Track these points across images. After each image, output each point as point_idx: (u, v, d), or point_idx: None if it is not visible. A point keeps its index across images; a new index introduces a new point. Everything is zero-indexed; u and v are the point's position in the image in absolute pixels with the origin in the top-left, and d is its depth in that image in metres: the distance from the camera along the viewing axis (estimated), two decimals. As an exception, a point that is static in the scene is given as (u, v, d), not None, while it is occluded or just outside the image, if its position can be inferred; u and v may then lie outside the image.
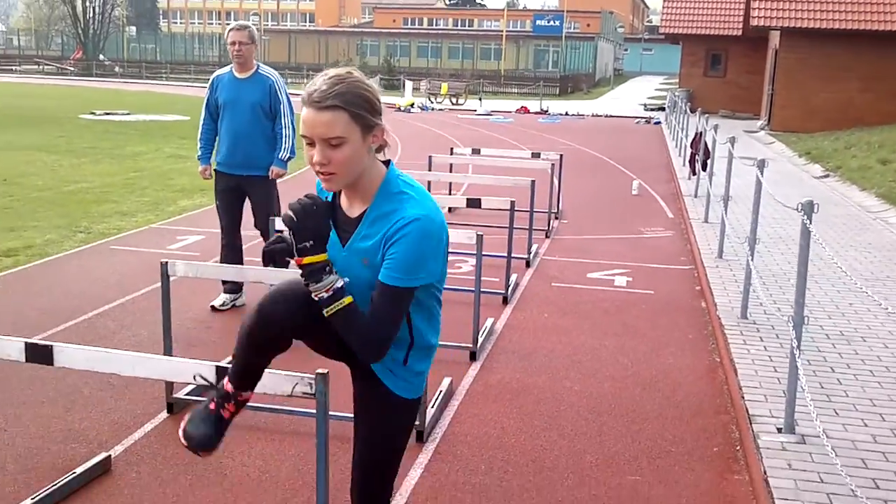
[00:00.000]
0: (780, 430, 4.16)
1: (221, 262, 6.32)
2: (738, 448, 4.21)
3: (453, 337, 5.34)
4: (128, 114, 26.19)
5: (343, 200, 2.27)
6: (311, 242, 2.11)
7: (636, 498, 3.67)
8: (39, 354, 2.94)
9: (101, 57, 65.87)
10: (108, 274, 7.27)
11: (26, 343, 2.97)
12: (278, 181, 6.25)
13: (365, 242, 2.19)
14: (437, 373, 4.53)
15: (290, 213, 2.12)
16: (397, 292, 2.14)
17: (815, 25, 24.15)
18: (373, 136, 2.14)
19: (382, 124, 2.16)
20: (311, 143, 2.10)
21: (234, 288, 6.36)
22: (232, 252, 6.35)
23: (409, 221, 2.11)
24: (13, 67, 62.44)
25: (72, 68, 61.31)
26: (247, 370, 2.39)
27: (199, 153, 6.32)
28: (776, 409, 4.39)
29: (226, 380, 2.44)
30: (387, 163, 2.26)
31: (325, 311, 2.14)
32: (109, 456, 3.86)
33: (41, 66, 63.41)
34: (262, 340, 2.28)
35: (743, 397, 4.61)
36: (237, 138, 6.05)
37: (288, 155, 6.10)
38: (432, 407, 4.33)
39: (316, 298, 2.14)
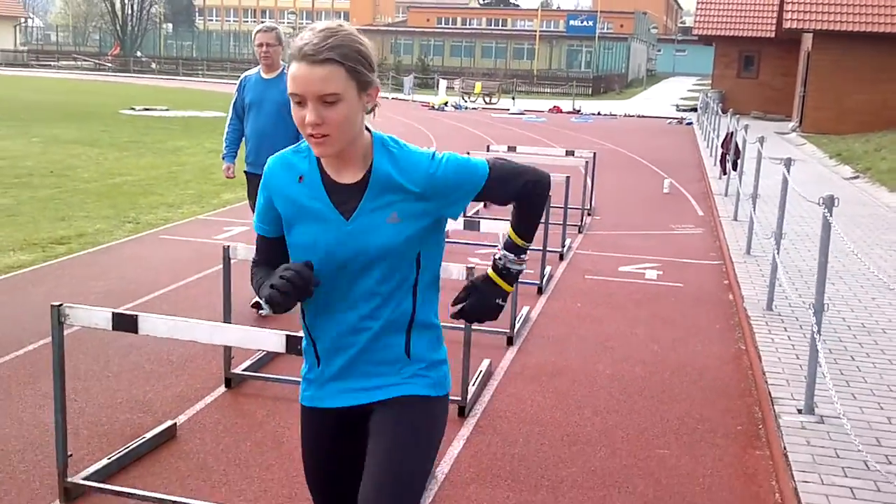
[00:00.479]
0: (800, 411, 4.41)
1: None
2: (760, 427, 4.46)
3: (491, 323, 5.62)
4: (167, 109, 26.72)
5: (329, 169, 2.06)
6: (500, 300, 2.17)
7: (664, 468, 3.94)
8: (125, 323, 3.27)
9: (139, 53, 66.85)
10: (160, 261, 7.64)
11: (113, 313, 3.30)
12: None
13: (385, 198, 2.01)
14: (477, 355, 4.81)
15: (470, 310, 2.16)
16: (496, 165, 2.06)
17: (848, 28, 24.13)
18: (367, 94, 1.97)
19: (377, 82, 2.01)
20: (301, 103, 1.93)
21: None
22: None
23: (434, 153, 2.04)
24: (51, 63, 63.58)
25: (109, 64, 62.26)
26: None
27: (224, 151, 6.47)
28: (797, 392, 4.64)
29: None
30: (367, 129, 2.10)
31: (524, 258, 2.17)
32: (175, 424, 4.19)
33: (79, 62, 64.50)
34: None
35: (766, 381, 4.86)
36: (262, 138, 6.13)
37: None
38: (473, 385, 4.62)
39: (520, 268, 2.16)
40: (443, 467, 3.87)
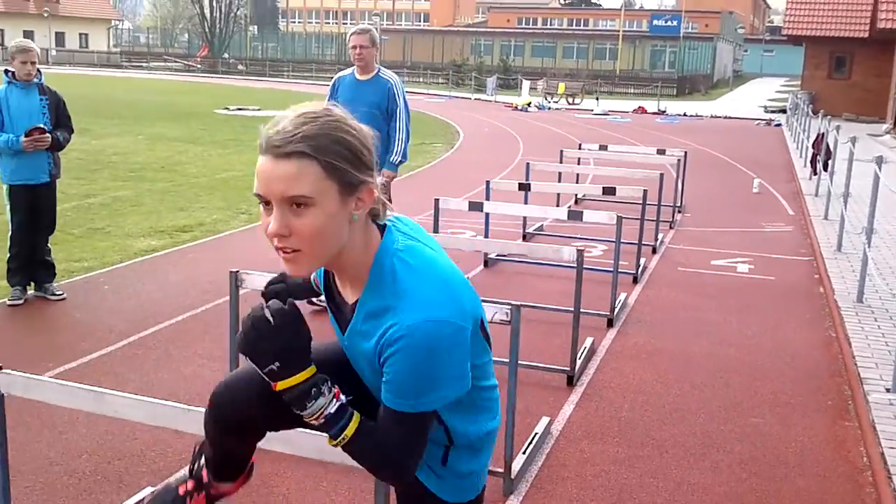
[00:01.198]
0: (888, 391, 4.74)
1: None
2: (849, 403, 4.80)
3: (592, 306, 6.06)
4: (259, 109, 27.60)
5: (336, 278, 1.75)
6: (278, 364, 1.58)
7: (758, 434, 4.33)
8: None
9: (226, 55, 68.85)
10: (279, 248, 8.27)
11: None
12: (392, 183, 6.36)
13: (362, 341, 1.67)
14: (582, 334, 5.22)
15: (242, 334, 1.61)
16: (405, 418, 1.61)
17: (947, 27, 23.68)
18: (357, 198, 1.56)
19: (372, 181, 1.58)
20: (268, 204, 1.54)
21: None
22: None
23: (405, 333, 1.54)
24: (142, 64, 66.03)
25: (198, 65, 64.29)
26: (224, 459, 1.96)
27: None
28: (886, 374, 4.96)
29: (202, 462, 1.99)
30: (383, 228, 1.67)
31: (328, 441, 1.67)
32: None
33: (168, 63, 66.79)
34: (221, 430, 1.90)
35: (856, 364, 5.19)
36: None
37: (399, 158, 6.17)
38: (580, 358, 5.07)
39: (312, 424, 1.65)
40: (556, 426, 4.33)
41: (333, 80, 6.46)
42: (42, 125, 5.94)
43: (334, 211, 1.53)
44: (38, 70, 6.05)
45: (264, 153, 1.53)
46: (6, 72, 5.99)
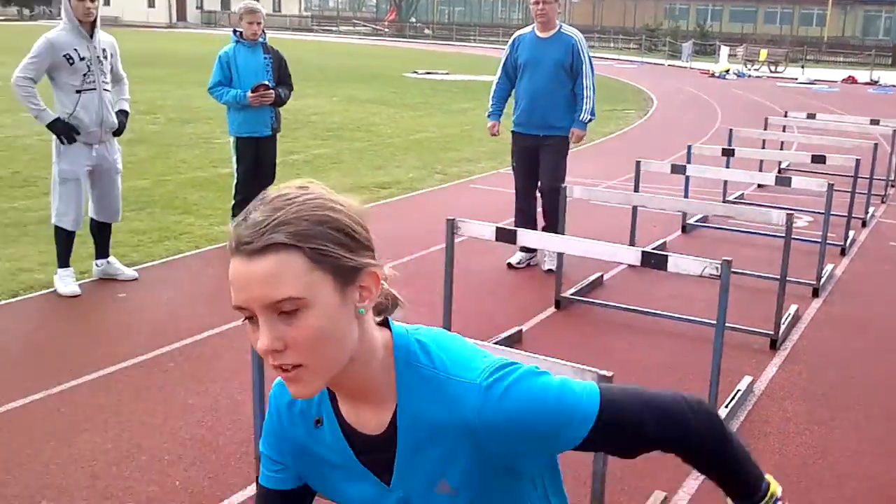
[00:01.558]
0: None
1: (515, 227, 6.34)
2: None
3: (797, 275, 5.90)
4: (447, 73, 28.02)
5: (344, 410, 1.37)
6: None
7: (977, 409, 4.15)
8: (506, 235, 4.03)
9: (413, 19, 69.93)
10: (474, 206, 8.50)
11: (497, 227, 4.08)
12: (574, 148, 6.24)
13: (426, 456, 1.31)
14: (786, 302, 5.11)
15: None
16: (606, 408, 1.26)
17: None
18: (359, 286, 1.23)
19: (375, 263, 1.24)
20: (251, 318, 1.19)
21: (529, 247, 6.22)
22: (524, 217, 6.40)
23: (487, 377, 1.25)
24: (332, 28, 68.31)
25: (386, 29, 65.69)
26: None
27: (490, 109, 6.42)
28: None
29: None
30: (384, 324, 1.34)
31: None
32: (521, 329, 4.95)
33: (357, 27, 68.69)
34: None
35: None
36: (536, 98, 6.04)
37: (588, 116, 6.05)
38: (784, 324, 5.00)
39: None
40: (759, 385, 4.34)
41: (512, 38, 6.30)
42: (266, 82, 6.41)
43: (333, 307, 1.19)
44: (263, 30, 6.52)
45: (234, 254, 1.18)
46: (234, 31, 6.51)
